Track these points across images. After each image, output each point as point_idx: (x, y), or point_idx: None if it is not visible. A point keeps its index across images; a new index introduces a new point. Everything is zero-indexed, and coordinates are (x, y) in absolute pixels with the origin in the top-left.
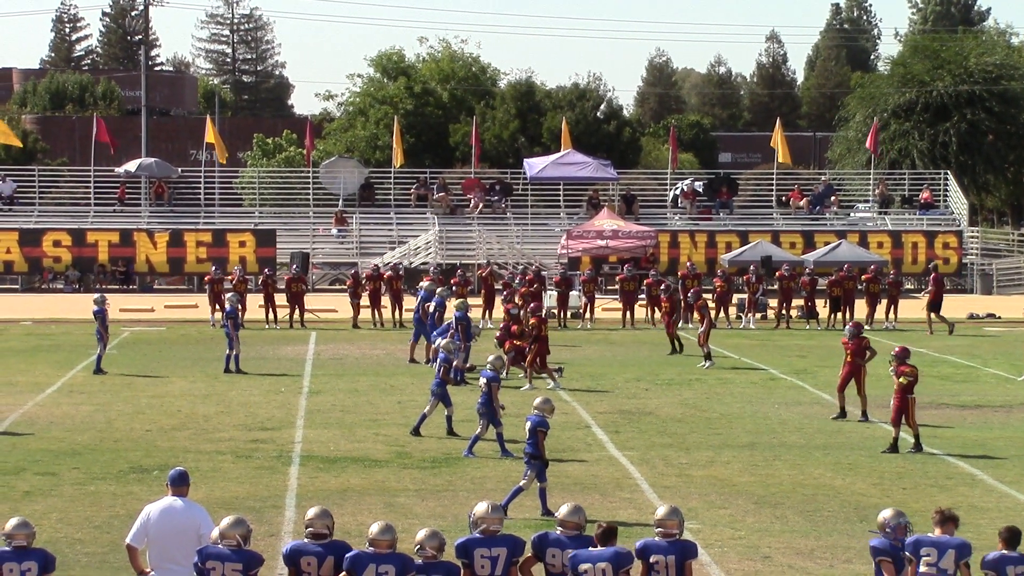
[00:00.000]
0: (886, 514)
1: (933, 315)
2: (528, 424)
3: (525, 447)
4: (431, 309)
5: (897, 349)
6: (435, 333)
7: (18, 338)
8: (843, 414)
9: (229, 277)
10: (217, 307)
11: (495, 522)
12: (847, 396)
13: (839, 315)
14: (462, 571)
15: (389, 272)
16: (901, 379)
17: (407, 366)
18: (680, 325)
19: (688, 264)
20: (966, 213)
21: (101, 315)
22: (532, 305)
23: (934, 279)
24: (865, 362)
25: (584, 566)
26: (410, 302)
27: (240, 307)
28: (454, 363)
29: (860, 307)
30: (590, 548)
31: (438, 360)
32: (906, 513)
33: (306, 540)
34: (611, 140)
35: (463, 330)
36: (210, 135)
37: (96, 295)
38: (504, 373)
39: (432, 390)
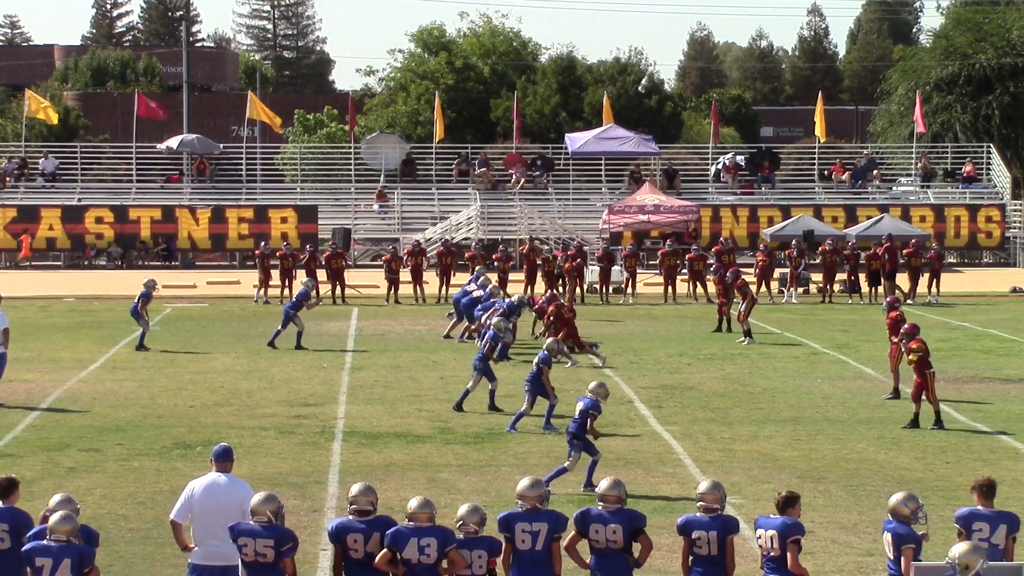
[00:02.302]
0: (899, 498)
1: (887, 283)
2: (580, 405)
3: (569, 425)
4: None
5: (907, 326)
6: (478, 310)
7: (61, 315)
8: (896, 394)
9: (278, 253)
10: (264, 283)
11: (536, 498)
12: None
13: (879, 289)
14: (504, 545)
15: (440, 248)
16: (911, 356)
17: (448, 342)
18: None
19: (722, 239)
20: (1009, 186)
21: (145, 297)
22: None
23: (888, 248)
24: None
25: (758, 531)
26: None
27: (314, 290)
28: (501, 342)
29: (902, 281)
30: (769, 516)
31: (485, 336)
32: (950, 487)
33: (350, 517)
34: (653, 115)
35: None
36: (256, 109)
37: (148, 279)
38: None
39: (474, 364)
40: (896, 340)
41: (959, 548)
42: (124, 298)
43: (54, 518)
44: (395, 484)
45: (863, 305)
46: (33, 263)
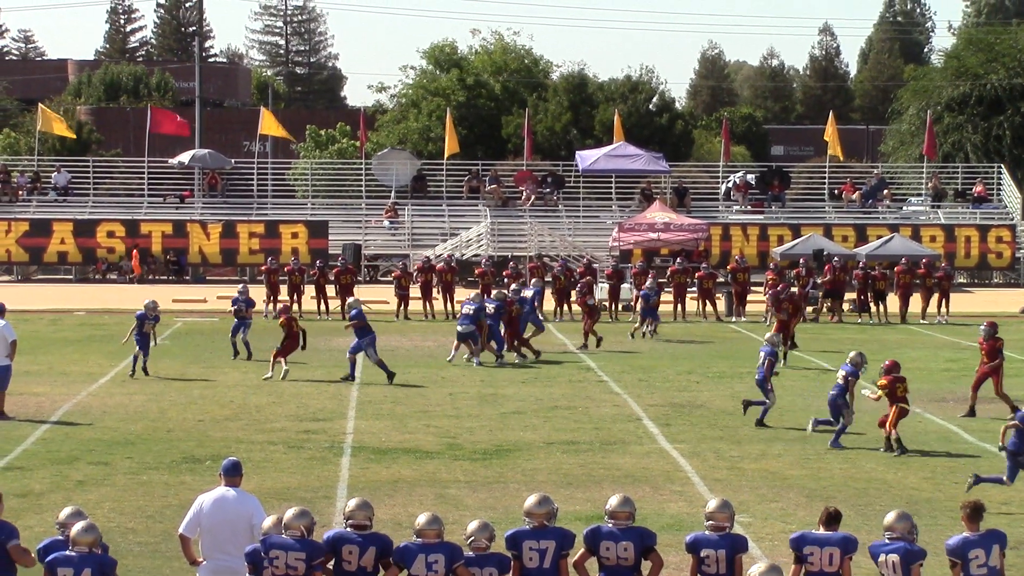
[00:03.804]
0: (896, 515)
1: (831, 303)
2: (842, 372)
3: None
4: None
5: (985, 323)
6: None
7: (72, 328)
8: (972, 412)
9: (286, 268)
10: (271, 298)
11: (544, 515)
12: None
13: (884, 308)
14: (512, 563)
15: (442, 264)
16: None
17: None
18: (735, 319)
19: (737, 257)
20: (1020, 207)
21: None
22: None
23: (829, 268)
24: (994, 364)
25: (811, 547)
26: (461, 294)
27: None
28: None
29: (914, 302)
30: (815, 531)
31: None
32: (959, 508)
33: (348, 529)
34: (663, 133)
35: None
36: (269, 124)
37: (148, 302)
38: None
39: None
40: (987, 363)
41: None
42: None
43: (76, 528)
44: (403, 500)
45: (872, 325)
46: (44, 276)
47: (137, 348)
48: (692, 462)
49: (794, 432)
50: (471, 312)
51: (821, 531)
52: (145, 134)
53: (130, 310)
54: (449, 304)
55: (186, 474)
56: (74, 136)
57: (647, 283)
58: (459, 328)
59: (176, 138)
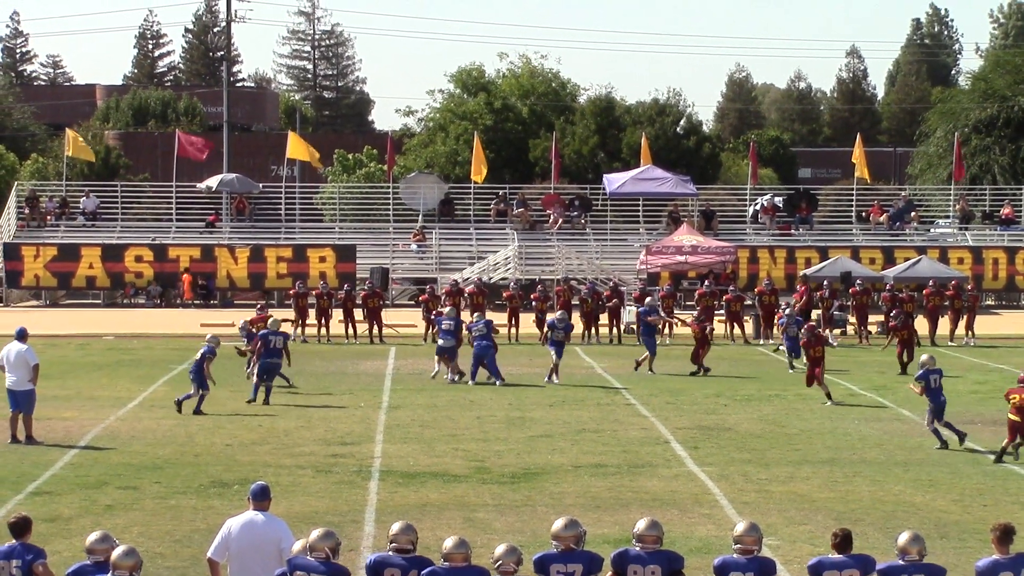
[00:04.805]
0: (909, 537)
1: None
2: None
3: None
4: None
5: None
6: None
7: (100, 353)
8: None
9: (314, 292)
10: (299, 321)
11: (572, 539)
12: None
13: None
14: None
15: (472, 287)
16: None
17: (485, 381)
18: (763, 342)
19: (765, 281)
20: None
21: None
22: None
23: (804, 290)
24: None
25: (830, 572)
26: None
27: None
28: None
29: (938, 323)
30: (832, 555)
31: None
32: (988, 531)
33: (390, 553)
34: (691, 155)
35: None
36: (297, 148)
37: (211, 335)
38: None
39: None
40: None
41: None
42: (163, 336)
43: (117, 552)
44: (431, 524)
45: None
46: (72, 301)
47: (195, 385)
48: (720, 485)
49: (822, 455)
50: (450, 328)
51: (836, 555)
52: (173, 159)
53: (158, 335)
54: None
55: (214, 498)
56: (92, 159)
57: (647, 300)
58: (440, 342)
59: (204, 163)
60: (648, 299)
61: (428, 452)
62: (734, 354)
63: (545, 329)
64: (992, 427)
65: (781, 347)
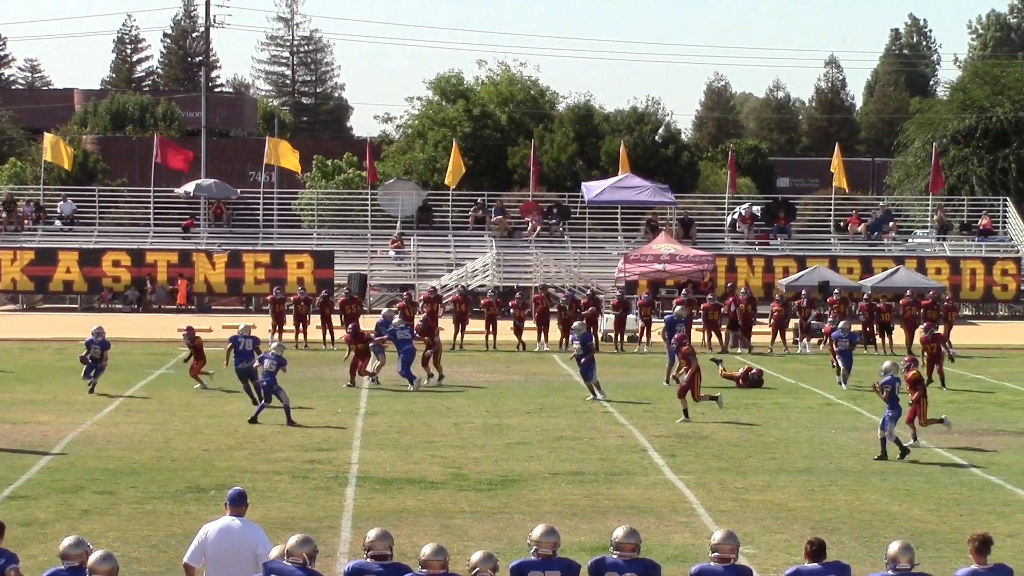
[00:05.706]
0: (899, 547)
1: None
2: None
3: None
4: None
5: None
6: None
7: (77, 357)
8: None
9: (292, 297)
10: (276, 328)
11: (549, 545)
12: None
13: (889, 340)
14: None
15: (456, 295)
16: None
17: (463, 388)
18: (740, 349)
19: (742, 288)
20: None
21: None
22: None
23: (733, 299)
24: None
25: None
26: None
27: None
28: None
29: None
30: (807, 564)
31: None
32: (964, 540)
33: (367, 560)
34: (669, 164)
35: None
36: (286, 156)
37: (95, 327)
38: None
39: None
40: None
41: None
42: (140, 341)
43: (94, 557)
44: (408, 530)
45: (877, 356)
46: (49, 305)
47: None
48: (697, 493)
49: (799, 464)
50: (406, 336)
51: (812, 564)
52: (151, 164)
53: (135, 339)
54: (460, 335)
55: (191, 503)
56: (80, 165)
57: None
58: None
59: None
60: (678, 308)
61: (405, 458)
62: (712, 362)
63: (575, 346)
64: (969, 436)
65: (833, 364)
